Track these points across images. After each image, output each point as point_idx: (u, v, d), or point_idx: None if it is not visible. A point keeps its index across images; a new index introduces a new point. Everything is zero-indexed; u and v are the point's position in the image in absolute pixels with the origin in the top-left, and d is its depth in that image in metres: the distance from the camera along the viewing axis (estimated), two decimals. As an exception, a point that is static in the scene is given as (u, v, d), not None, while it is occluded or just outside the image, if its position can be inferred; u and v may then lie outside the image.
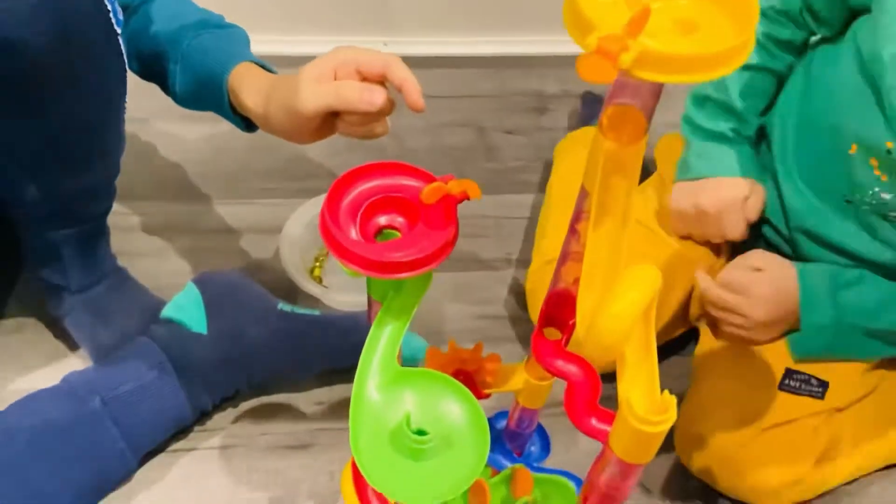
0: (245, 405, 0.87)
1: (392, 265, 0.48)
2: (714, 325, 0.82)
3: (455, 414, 0.52)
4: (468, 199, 0.51)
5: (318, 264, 1.00)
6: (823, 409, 0.79)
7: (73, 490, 0.73)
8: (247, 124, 0.75)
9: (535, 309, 0.94)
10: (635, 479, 0.50)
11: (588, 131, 1.09)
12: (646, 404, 0.44)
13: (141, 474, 0.81)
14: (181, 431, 0.83)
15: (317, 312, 0.88)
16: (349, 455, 0.81)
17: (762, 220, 0.87)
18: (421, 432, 0.49)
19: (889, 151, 0.71)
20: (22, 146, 0.67)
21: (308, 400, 0.89)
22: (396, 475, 0.49)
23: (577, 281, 0.55)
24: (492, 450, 0.73)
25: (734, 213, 0.84)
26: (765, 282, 0.78)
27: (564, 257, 0.54)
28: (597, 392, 0.56)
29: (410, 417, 0.49)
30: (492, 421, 0.75)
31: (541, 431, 0.75)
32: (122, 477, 0.77)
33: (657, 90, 0.41)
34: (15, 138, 0.66)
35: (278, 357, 0.84)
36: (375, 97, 0.61)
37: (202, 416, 0.83)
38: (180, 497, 0.80)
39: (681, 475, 0.86)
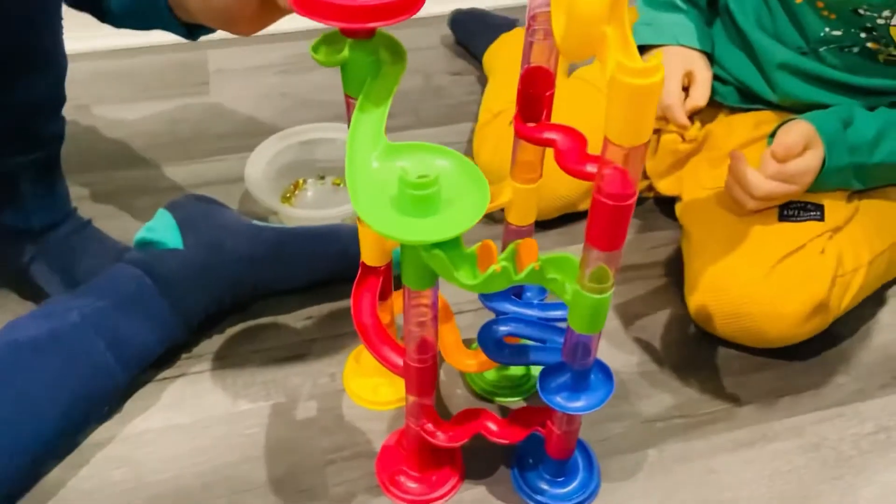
0: (231, 330, 0.84)
1: (365, 11, 0.48)
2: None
3: (450, 167, 0.52)
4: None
5: (288, 197, 1.00)
6: (825, 230, 0.80)
7: (64, 402, 0.69)
8: (188, 30, 0.74)
9: (482, 160, 0.97)
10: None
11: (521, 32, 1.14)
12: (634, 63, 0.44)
13: (132, 403, 0.77)
14: (168, 358, 0.80)
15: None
16: (346, 357, 0.81)
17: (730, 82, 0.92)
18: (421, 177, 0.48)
19: None
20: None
21: (296, 317, 0.86)
22: (403, 227, 0.48)
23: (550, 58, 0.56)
24: (489, 299, 0.73)
25: (670, 83, 0.87)
26: (806, 158, 0.78)
27: (529, 20, 0.56)
28: (584, 144, 0.57)
29: (408, 169, 0.49)
30: (485, 276, 0.74)
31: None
32: (111, 390, 0.73)
33: None
34: None
35: (260, 267, 0.82)
36: None
37: (189, 334, 0.80)
38: (177, 418, 0.76)
39: (681, 327, 0.86)
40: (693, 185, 0.91)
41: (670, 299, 0.89)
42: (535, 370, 0.81)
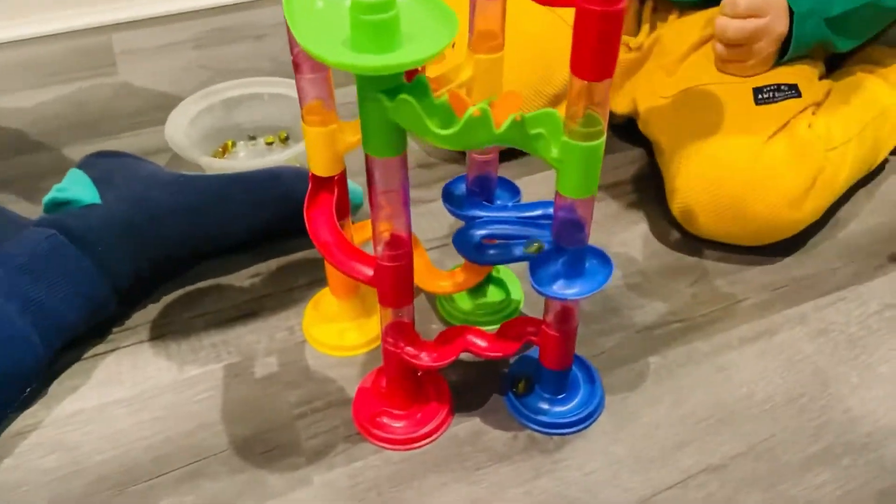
0: (168, 298, 0.74)
1: None
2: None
3: (410, 2, 0.44)
4: None
5: (225, 153, 0.91)
6: (807, 105, 0.76)
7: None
8: None
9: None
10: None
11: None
12: None
13: (59, 385, 0.66)
14: (97, 333, 0.70)
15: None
16: (304, 309, 0.72)
17: None
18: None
19: None
20: None
21: (241, 277, 0.77)
22: (361, 60, 0.41)
23: None
24: (460, 207, 0.65)
25: None
26: None
27: None
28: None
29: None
30: (450, 188, 0.67)
31: (502, 180, 0.67)
32: (31, 365, 0.62)
33: None
34: None
35: (194, 219, 0.72)
36: None
37: (118, 301, 0.69)
38: (115, 393, 0.66)
39: (663, 236, 0.81)
40: (650, 96, 0.86)
41: (646, 213, 0.83)
42: (515, 293, 0.73)
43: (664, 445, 0.62)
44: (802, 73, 0.79)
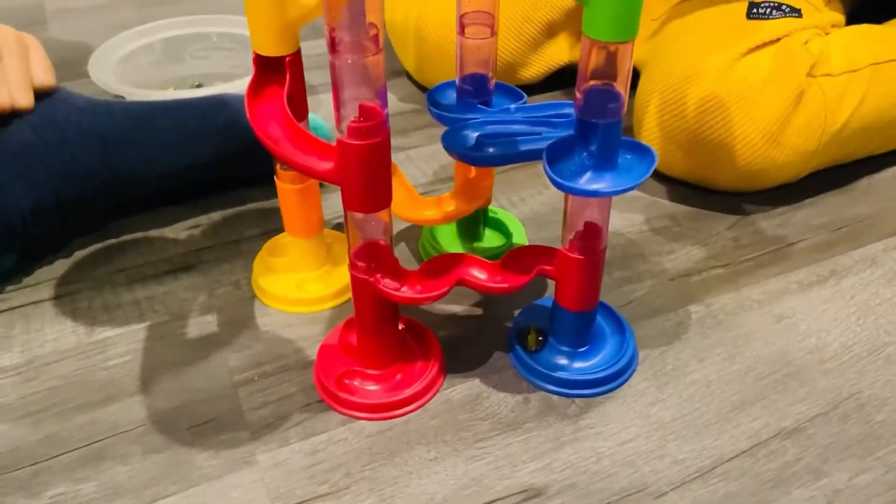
0: (81, 253, 0.59)
1: None
2: None
3: None
4: None
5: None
6: (808, 26, 0.63)
7: None
8: None
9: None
10: None
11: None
12: None
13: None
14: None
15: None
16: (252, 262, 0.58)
17: None
18: None
19: None
20: None
21: (176, 229, 0.62)
22: None
23: None
24: (452, 111, 0.52)
25: None
26: None
27: None
28: None
29: None
30: (436, 92, 0.53)
31: (500, 84, 0.54)
32: None
33: None
34: None
35: (110, 147, 0.57)
36: None
37: (7, 245, 0.55)
38: (0, 359, 0.50)
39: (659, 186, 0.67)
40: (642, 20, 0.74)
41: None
42: (518, 238, 0.59)
43: (720, 407, 0.47)
44: (810, 2, 0.66)
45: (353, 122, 0.38)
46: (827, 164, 0.65)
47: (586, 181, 0.41)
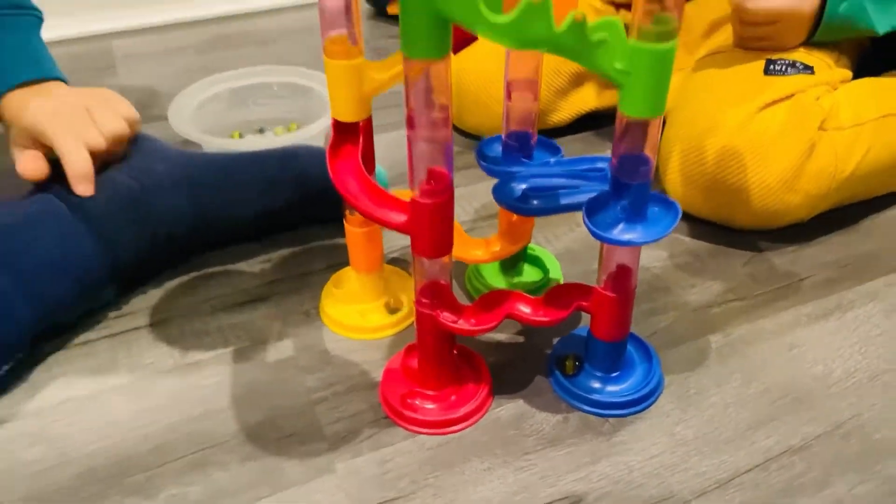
0: (171, 284, 0.67)
1: None
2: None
3: None
4: None
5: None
6: (821, 83, 0.70)
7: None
8: None
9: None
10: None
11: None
12: None
13: (44, 372, 0.58)
14: (91, 318, 0.62)
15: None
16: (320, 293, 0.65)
17: None
18: None
19: None
20: None
21: (252, 263, 0.70)
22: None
23: None
24: (499, 164, 0.59)
25: None
26: None
27: None
28: None
29: None
30: (484, 146, 0.61)
31: (541, 139, 0.61)
32: (12, 327, 0.55)
33: None
34: None
35: (202, 193, 0.65)
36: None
37: (116, 281, 0.62)
38: (108, 381, 0.58)
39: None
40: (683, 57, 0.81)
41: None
42: (554, 273, 0.67)
43: (737, 426, 0.54)
44: (823, 60, 0.73)
45: (424, 184, 0.46)
46: (835, 206, 0.71)
47: (619, 232, 0.48)
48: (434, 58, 0.41)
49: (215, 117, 0.84)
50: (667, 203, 0.50)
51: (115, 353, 0.60)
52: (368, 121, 0.54)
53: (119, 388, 0.57)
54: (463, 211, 0.76)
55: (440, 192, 0.46)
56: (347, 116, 0.53)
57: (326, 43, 0.51)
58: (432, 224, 0.47)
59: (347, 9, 0.51)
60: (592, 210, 0.49)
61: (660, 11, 0.41)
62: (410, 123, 0.45)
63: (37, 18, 0.72)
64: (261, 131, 0.87)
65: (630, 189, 0.48)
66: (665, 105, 0.45)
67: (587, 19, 0.41)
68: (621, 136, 0.46)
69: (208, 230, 0.68)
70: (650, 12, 0.41)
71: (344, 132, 0.54)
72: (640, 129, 0.45)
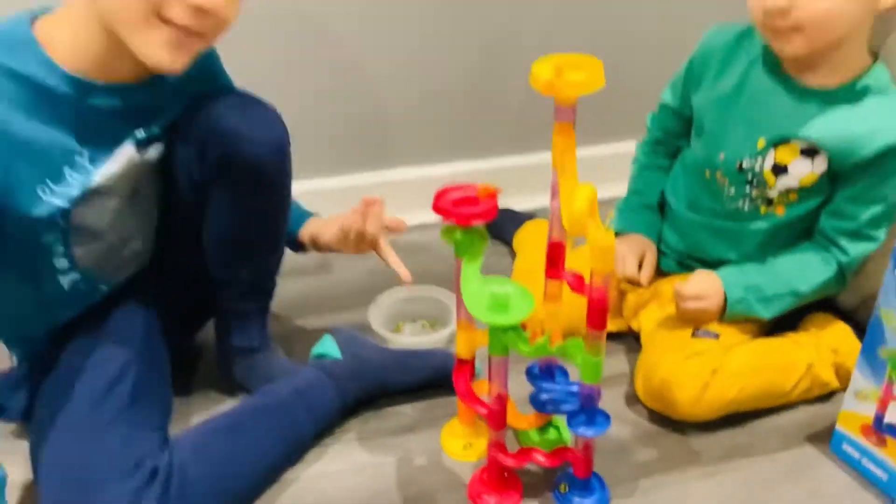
0: (366, 414, 1.29)
1: (468, 215, 0.99)
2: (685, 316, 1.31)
3: (512, 289, 0.99)
4: (498, 192, 1.03)
5: (396, 331, 1.48)
6: (718, 346, 1.26)
7: (276, 451, 1.14)
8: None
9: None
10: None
11: (537, 222, 1.68)
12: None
13: (309, 466, 1.20)
14: (328, 431, 1.25)
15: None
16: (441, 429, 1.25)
17: (672, 255, 1.42)
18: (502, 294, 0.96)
19: (721, 162, 1.28)
20: (246, 238, 1.18)
21: (407, 407, 1.31)
22: (493, 317, 0.96)
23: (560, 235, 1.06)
24: (536, 378, 1.18)
25: (629, 257, 1.39)
26: (709, 285, 1.28)
27: (552, 219, 1.06)
28: (582, 280, 1.04)
29: (494, 291, 0.96)
30: (531, 368, 1.20)
31: (558, 367, 1.19)
32: (303, 442, 1.18)
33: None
34: (246, 234, 1.17)
35: (386, 371, 1.28)
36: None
37: (345, 413, 1.25)
38: (332, 465, 1.19)
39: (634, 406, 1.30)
40: (648, 322, 1.38)
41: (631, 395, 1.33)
42: (565, 434, 1.24)
43: (646, 528, 1.09)
44: (730, 328, 1.28)
45: (494, 401, 1.05)
46: (726, 414, 1.25)
47: (583, 428, 1.05)
48: (503, 355, 1.01)
49: (391, 313, 1.48)
50: (605, 415, 1.06)
51: (340, 452, 1.22)
52: (473, 358, 1.15)
53: (337, 473, 1.19)
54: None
55: (500, 403, 1.05)
56: (465, 356, 1.13)
57: (459, 325, 1.12)
58: (496, 418, 1.06)
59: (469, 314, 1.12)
60: (571, 419, 1.06)
61: (595, 340, 0.99)
62: (490, 376, 1.04)
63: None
64: (413, 321, 1.50)
65: (587, 410, 1.05)
66: (600, 377, 1.02)
67: (552, 341, 0.99)
68: (583, 389, 1.04)
69: (389, 389, 1.30)
70: (589, 341, 0.99)
71: (462, 362, 1.14)
72: (591, 387, 1.03)
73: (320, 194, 1.63)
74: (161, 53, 0.95)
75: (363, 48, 1.72)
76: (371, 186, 1.82)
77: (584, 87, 0.92)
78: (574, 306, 1.38)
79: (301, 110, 1.54)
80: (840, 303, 1.38)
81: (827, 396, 1.30)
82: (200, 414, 1.25)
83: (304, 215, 1.36)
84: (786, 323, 1.35)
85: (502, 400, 1.05)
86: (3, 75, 0.92)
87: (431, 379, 1.31)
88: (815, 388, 1.28)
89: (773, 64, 1.24)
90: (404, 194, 1.64)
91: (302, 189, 1.37)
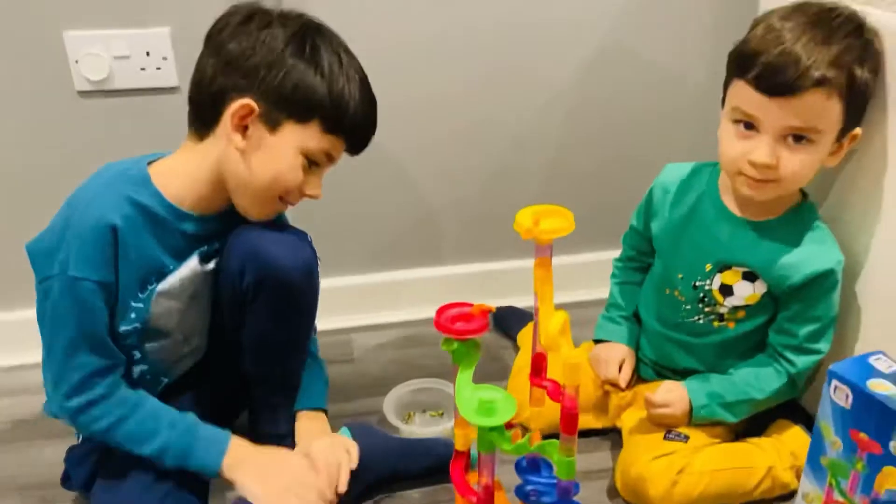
0: (378, 495, 1.47)
1: (463, 331, 1.18)
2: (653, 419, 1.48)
3: (499, 396, 1.17)
4: (490, 310, 1.22)
5: (404, 421, 1.66)
6: (687, 447, 1.42)
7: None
8: None
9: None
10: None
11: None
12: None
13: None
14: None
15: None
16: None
17: (649, 364, 1.59)
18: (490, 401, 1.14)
19: (679, 281, 1.46)
20: (278, 343, 1.38)
21: (414, 492, 1.48)
22: (481, 419, 1.14)
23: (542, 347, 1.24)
24: (522, 472, 1.35)
25: (611, 364, 1.56)
26: (676, 394, 1.45)
27: (534, 335, 1.25)
28: (559, 387, 1.22)
29: (483, 397, 1.15)
30: (519, 462, 1.36)
31: (543, 460, 1.36)
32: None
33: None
34: (278, 340, 1.38)
35: (392, 457, 1.46)
36: None
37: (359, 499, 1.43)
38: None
39: (615, 499, 1.46)
40: (629, 422, 1.55)
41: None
42: None
43: None
44: (698, 431, 1.44)
45: (482, 491, 1.22)
46: None
47: (558, 518, 1.21)
48: (490, 452, 1.19)
49: (402, 402, 1.66)
50: (580, 507, 1.23)
51: (352, 529, 1.39)
52: (469, 449, 1.32)
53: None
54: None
55: (489, 491, 1.22)
56: (462, 448, 1.31)
57: (456, 425, 1.30)
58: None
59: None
60: (549, 507, 1.23)
61: (568, 443, 1.16)
62: (479, 468, 1.21)
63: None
64: (423, 411, 1.68)
65: (565, 502, 1.21)
66: (574, 474, 1.19)
67: (532, 440, 1.17)
68: (559, 485, 1.20)
69: (396, 474, 1.47)
70: (564, 447, 1.16)
71: (459, 454, 1.31)
72: (566, 483, 1.19)
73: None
74: (261, 216, 1.30)
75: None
76: (401, 283, 2.07)
77: (557, 233, 1.12)
78: (557, 408, 1.58)
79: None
80: (806, 406, 1.53)
81: (788, 496, 1.44)
82: (234, 491, 1.42)
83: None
84: (754, 428, 1.50)
85: (489, 490, 1.22)
86: (126, 202, 1.20)
87: (434, 466, 1.48)
88: (776, 489, 1.43)
89: (717, 198, 1.45)
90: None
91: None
